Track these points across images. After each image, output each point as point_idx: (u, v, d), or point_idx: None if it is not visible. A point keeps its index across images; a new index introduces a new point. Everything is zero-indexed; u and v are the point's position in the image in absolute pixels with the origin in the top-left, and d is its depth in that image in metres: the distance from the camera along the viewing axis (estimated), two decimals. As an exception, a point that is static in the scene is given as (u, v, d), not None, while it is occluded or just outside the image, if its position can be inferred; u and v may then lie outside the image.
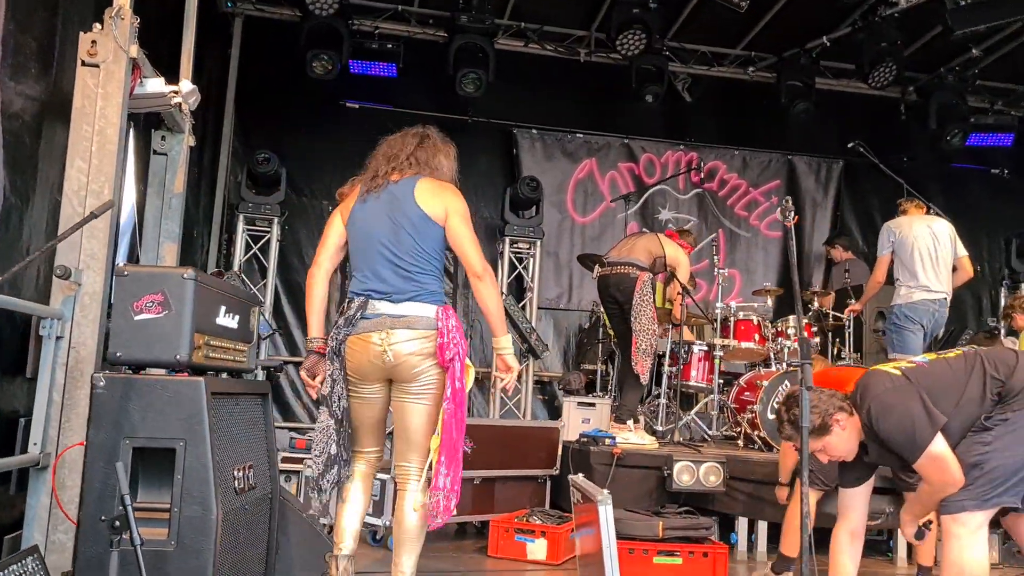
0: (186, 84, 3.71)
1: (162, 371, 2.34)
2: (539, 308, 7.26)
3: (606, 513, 2.68)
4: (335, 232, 3.03)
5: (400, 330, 2.79)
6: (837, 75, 8.19)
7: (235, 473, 2.47)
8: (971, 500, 2.65)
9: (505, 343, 2.99)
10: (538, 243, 7.06)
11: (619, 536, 4.27)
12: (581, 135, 7.86)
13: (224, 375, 2.65)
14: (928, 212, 6.05)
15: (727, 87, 8.22)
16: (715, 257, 6.05)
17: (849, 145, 6.47)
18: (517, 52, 7.71)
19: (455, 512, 2.87)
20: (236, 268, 6.51)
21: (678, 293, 5.63)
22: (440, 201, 2.91)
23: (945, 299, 5.67)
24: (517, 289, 7.28)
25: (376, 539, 4.62)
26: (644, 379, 5.30)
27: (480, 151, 7.78)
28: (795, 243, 8.14)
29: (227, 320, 2.57)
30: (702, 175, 7.32)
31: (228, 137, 7.07)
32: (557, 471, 5.31)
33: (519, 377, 7.09)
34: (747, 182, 8.17)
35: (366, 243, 2.92)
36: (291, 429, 6.78)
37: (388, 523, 4.42)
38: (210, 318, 2.46)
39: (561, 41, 7.77)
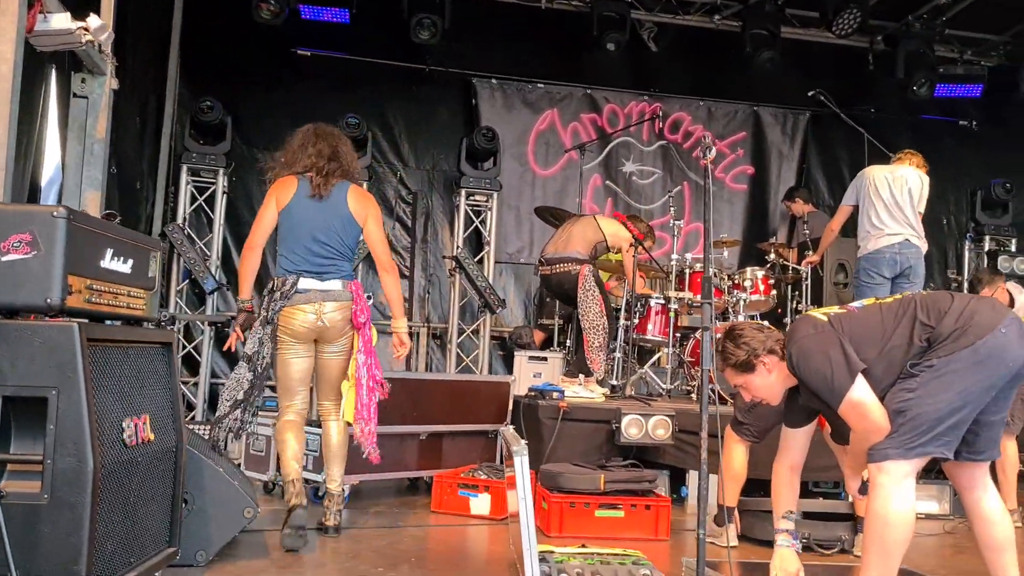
0: (94, 19, 3.50)
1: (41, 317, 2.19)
2: (496, 262, 7.12)
3: (521, 465, 2.57)
4: (270, 217, 3.66)
5: (329, 303, 3.61)
6: (805, 24, 8.00)
7: (124, 424, 2.33)
8: (894, 448, 2.55)
9: (401, 325, 3.93)
10: (495, 195, 6.88)
11: (561, 490, 4.23)
12: (542, 85, 7.66)
13: (116, 323, 2.51)
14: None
15: (693, 36, 8.02)
16: (671, 210, 5.90)
17: (810, 94, 6.33)
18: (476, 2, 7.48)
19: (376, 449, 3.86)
20: (180, 220, 6.33)
21: (631, 246, 5.51)
22: (363, 208, 3.76)
23: (908, 241, 5.51)
24: (476, 243, 7.13)
25: (318, 496, 4.51)
26: (599, 375, 5.30)
27: (439, 101, 7.59)
28: (760, 194, 8.13)
29: (116, 264, 2.41)
30: (660, 125, 7.12)
31: (174, 85, 6.82)
32: (508, 426, 5.23)
33: (476, 332, 6.98)
34: (712, 134, 7.99)
35: (301, 232, 3.62)
36: (244, 386, 6.67)
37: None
38: (92, 261, 2.30)
39: (521, -13, 7.54)
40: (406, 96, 7.48)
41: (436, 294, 7.26)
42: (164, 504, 2.67)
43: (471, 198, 6.88)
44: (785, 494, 3.11)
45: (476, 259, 6.81)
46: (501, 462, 5.33)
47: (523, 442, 2.65)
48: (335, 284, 3.63)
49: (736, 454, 3.87)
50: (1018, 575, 2.83)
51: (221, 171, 6.43)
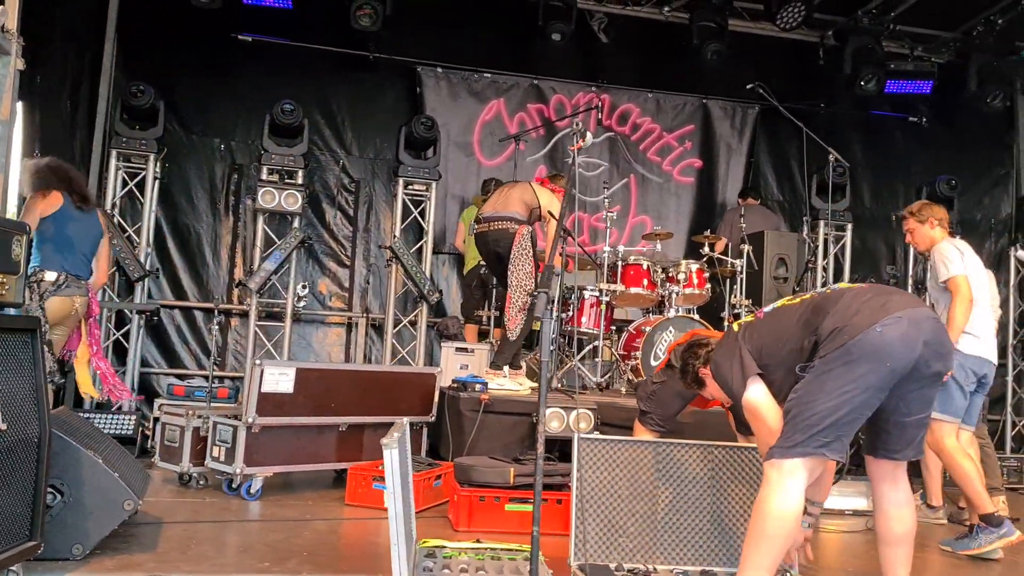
0: (-16, -2, 3.38)
1: None
2: (438, 253, 7.06)
3: (391, 459, 2.52)
4: (38, 218, 4.24)
5: (83, 296, 4.38)
6: (755, 17, 7.97)
7: (-33, 414, 2.26)
8: (778, 447, 2.56)
9: None
10: (434, 185, 6.81)
11: (471, 484, 4.18)
12: (489, 75, 7.59)
13: (-32, 309, 2.43)
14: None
15: (643, 28, 7.98)
16: (605, 201, 5.86)
17: (748, 87, 6.27)
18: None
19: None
20: (110, 206, 6.21)
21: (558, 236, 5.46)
22: (105, 227, 4.61)
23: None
24: (418, 233, 7.06)
25: (231, 487, 4.44)
26: (512, 335, 5.18)
27: (383, 89, 7.51)
28: (708, 187, 8.11)
29: (-34, 248, 2.34)
30: (599, 116, 7.05)
31: (109, 69, 6.69)
32: (433, 418, 5.17)
33: (414, 323, 6.92)
34: (661, 126, 7.98)
35: (68, 239, 4.30)
36: (177, 376, 6.58)
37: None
38: (-65, 245, 2.23)
39: (469, -25, 7.45)
40: (350, 84, 7.39)
41: (377, 284, 7.19)
42: (23, 496, 2.59)
43: (410, 187, 6.80)
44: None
45: (414, 249, 6.75)
46: (432, 454, 5.29)
47: (396, 435, 2.60)
48: (85, 282, 4.47)
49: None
50: (907, 571, 2.82)
51: (152, 156, 6.31)
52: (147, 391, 6.45)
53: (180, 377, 6.45)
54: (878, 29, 7.81)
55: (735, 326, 2.96)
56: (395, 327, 6.77)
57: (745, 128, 8.11)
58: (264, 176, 6.23)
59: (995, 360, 4.35)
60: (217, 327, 5.47)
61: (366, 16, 6.63)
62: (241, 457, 4.29)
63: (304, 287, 6.30)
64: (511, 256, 5.22)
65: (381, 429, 5.05)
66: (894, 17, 8.08)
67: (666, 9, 7.85)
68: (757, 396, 2.72)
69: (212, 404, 4.86)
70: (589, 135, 2.75)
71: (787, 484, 2.56)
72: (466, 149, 7.48)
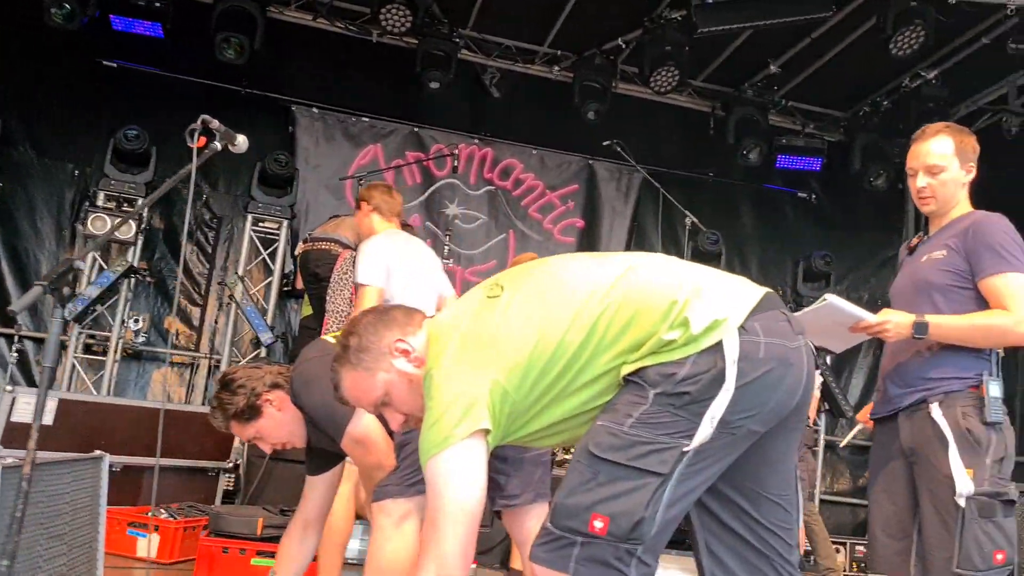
0: None
1: None
2: (289, 295, 6.79)
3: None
4: None
5: None
6: (646, 81, 7.95)
7: None
8: (395, 485, 2.28)
9: None
10: (286, 224, 6.58)
11: (219, 534, 3.86)
12: (367, 119, 7.45)
13: None
14: None
15: (535, 85, 7.92)
16: (446, 248, 5.65)
17: (605, 143, 6.18)
18: (302, 25, 7.29)
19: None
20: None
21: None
22: None
23: None
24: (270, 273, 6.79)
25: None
26: None
27: (256, 126, 7.26)
28: (589, 248, 7.95)
29: None
30: (455, 167, 6.87)
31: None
32: (231, 463, 4.85)
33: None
34: (544, 184, 7.86)
35: None
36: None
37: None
38: None
39: (353, 19, 7.36)
40: (221, 118, 7.12)
41: (225, 324, 6.89)
42: None
43: (261, 224, 6.57)
44: (287, 560, 2.70)
45: (257, 288, 6.48)
46: (225, 501, 4.94)
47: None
48: None
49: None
50: None
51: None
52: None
53: None
54: (763, 102, 7.83)
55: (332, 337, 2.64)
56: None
57: (631, 191, 8.02)
58: (100, 202, 5.98)
59: None
60: (17, 355, 5.13)
61: (231, 48, 6.48)
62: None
63: (137, 320, 5.98)
64: (332, 279, 4.95)
65: (167, 473, 4.72)
66: (786, 93, 8.14)
67: (556, 68, 7.82)
68: (370, 423, 2.39)
69: None
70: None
71: (405, 528, 2.31)
72: (337, 192, 7.28)
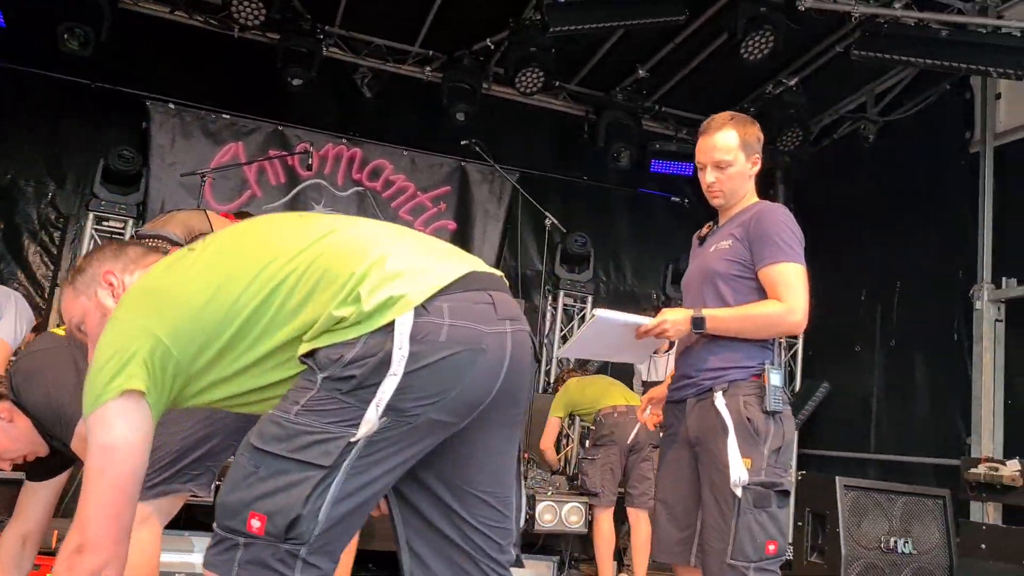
0: None
1: None
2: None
3: None
4: None
5: None
6: (511, 82, 7.92)
7: None
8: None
9: None
10: (131, 222, 6.29)
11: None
12: (227, 116, 7.20)
13: None
14: None
15: (407, 85, 7.80)
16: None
17: (463, 142, 6.12)
18: (158, 17, 7.01)
19: None
20: None
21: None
22: None
23: None
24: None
25: None
26: None
27: (107, 121, 6.99)
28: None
29: None
30: (310, 163, 6.69)
31: None
32: None
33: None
34: (415, 185, 7.75)
35: None
36: None
37: None
38: None
39: (213, 12, 7.12)
40: (71, 113, 6.86)
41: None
42: None
43: (105, 223, 6.27)
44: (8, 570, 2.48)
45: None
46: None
47: None
48: None
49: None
50: None
51: None
52: None
53: None
54: (634, 107, 7.90)
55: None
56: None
57: (504, 193, 7.97)
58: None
59: None
60: None
61: (75, 39, 6.16)
62: None
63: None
64: None
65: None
66: (659, 99, 8.23)
67: (428, 69, 7.72)
68: None
69: None
70: None
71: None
72: (194, 191, 7.00)
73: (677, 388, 2.79)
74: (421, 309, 1.56)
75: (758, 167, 2.88)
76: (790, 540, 7.61)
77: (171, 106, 7.02)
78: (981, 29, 5.43)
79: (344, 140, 7.55)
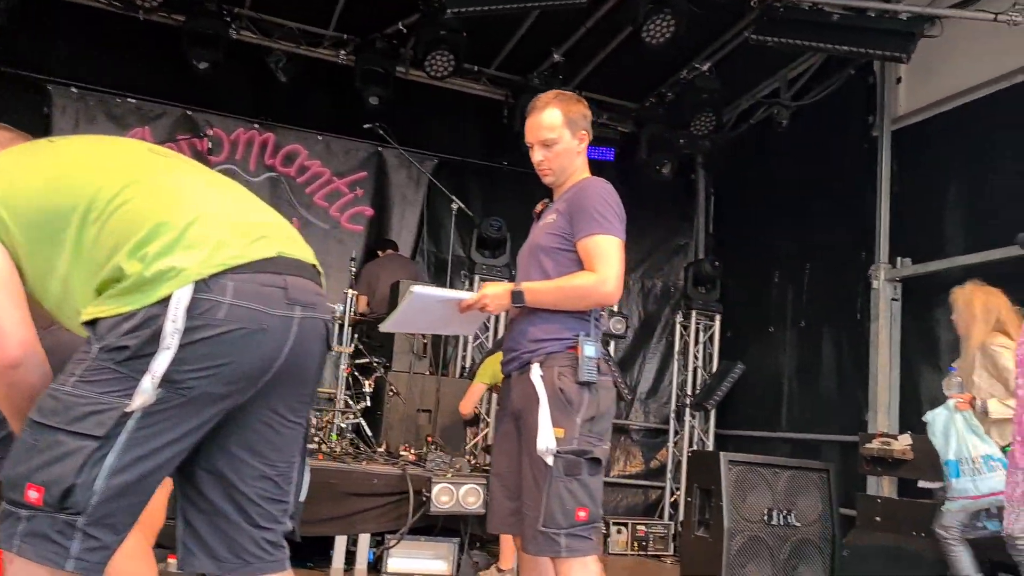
0: None
1: None
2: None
3: None
4: None
5: None
6: (420, 65, 7.88)
7: None
8: None
9: None
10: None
11: None
12: (133, 100, 7.07)
13: None
14: None
15: (322, 69, 7.72)
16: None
17: (365, 126, 6.08)
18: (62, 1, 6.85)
19: None
20: None
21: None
22: None
23: None
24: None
25: None
26: None
27: (10, 107, 6.79)
28: (378, 237, 7.80)
29: None
30: (210, 147, 6.63)
31: None
32: None
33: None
34: (331, 170, 7.68)
35: None
36: None
37: None
38: None
39: (118, -6, 6.96)
40: (-35, 96, 6.68)
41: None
42: None
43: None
44: None
45: None
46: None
47: None
48: None
49: None
50: None
51: None
52: None
53: None
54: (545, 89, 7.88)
55: None
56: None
57: (422, 179, 7.93)
58: None
59: None
60: None
61: (-30, 19, 6.00)
62: None
63: None
64: None
65: None
66: (580, 84, 8.24)
67: (342, 53, 7.65)
68: None
69: None
70: None
71: None
72: (99, 177, 6.87)
73: (505, 362, 2.81)
74: (203, 285, 1.56)
75: (586, 143, 2.91)
76: (671, 516, 7.74)
77: (74, 90, 6.87)
78: (870, 13, 5.52)
79: (256, 125, 7.46)
